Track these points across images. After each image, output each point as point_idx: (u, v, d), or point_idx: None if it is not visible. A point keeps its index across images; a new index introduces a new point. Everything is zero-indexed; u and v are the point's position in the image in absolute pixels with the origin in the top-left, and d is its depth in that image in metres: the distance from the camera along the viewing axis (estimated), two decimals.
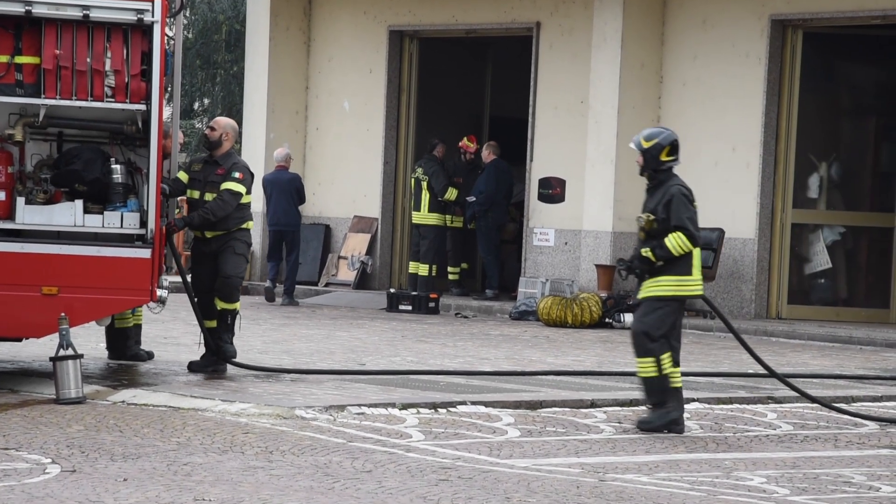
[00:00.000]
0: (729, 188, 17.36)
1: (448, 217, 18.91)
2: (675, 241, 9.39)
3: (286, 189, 18.34)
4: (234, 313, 11.09)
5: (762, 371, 12.81)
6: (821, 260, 17.57)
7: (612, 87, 17.71)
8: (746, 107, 17.27)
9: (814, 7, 17.01)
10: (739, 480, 7.95)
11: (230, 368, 11.23)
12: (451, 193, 18.78)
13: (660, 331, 9.42)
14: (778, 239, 17.28)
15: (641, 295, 9.56)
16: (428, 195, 18.76)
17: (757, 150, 17.23)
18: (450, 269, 19.21)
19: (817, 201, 17.72)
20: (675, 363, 9.49)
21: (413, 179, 19.06)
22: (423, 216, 18.88)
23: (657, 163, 9.51)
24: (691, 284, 9.51)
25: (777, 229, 17.29)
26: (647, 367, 9.41)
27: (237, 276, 11.10)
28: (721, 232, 17.08)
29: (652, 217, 9.44)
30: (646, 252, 9.43)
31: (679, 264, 9.45)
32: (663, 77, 17.92)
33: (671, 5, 17.88)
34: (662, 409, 9.39)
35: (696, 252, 9.50)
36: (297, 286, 19.11)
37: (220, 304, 11.06)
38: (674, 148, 9.57)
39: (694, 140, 17.74)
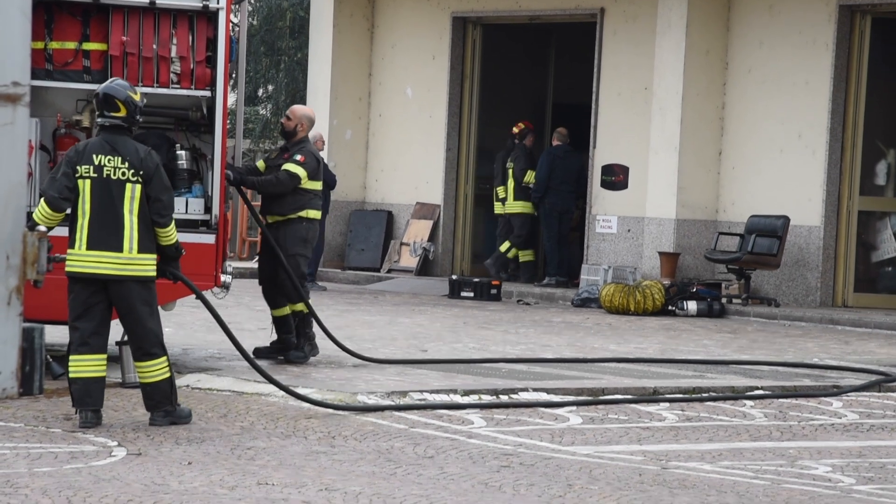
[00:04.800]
0: (795, 175, 17.20)
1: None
2: (37, 209, 8.36)
3: None
4: (298, 315, 10.82)
5: (830, 362, 12.67)
6: (888, 248, 17.37)
7: (677, 73, 17.59)
8: (813, 94, 17.09)
9: None
10: (804, 469, 7.88)
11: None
12: (530, 176, 18.82)
13: (70, 315, 8.25)
14: (844, 226, 17.10)
15: None
16: (513, 183, 18.87)
17: (823, 137, 17.06)
18: (507, 249, 19.23)
19: (885, 188, 17.52)
20: (88, 351, 8.24)
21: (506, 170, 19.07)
22: (510, 205, 19.00)
23: (96, 119, 8.77)
24: (72, 258, 8.25)
25: (843, 217, 17.11)
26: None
27: (293, 276, 10.74)
28: (786, 219, 16.93)
29: None
30: None
31: (70, 236, 8.28)
32: (728, 63, 17.77)
33: None
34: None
35: (82, 223, 8.21)
36: (359, 272, 19.06)
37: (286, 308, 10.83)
38: (97, 103, 8.49)
39: (759, 127, 17.60)
